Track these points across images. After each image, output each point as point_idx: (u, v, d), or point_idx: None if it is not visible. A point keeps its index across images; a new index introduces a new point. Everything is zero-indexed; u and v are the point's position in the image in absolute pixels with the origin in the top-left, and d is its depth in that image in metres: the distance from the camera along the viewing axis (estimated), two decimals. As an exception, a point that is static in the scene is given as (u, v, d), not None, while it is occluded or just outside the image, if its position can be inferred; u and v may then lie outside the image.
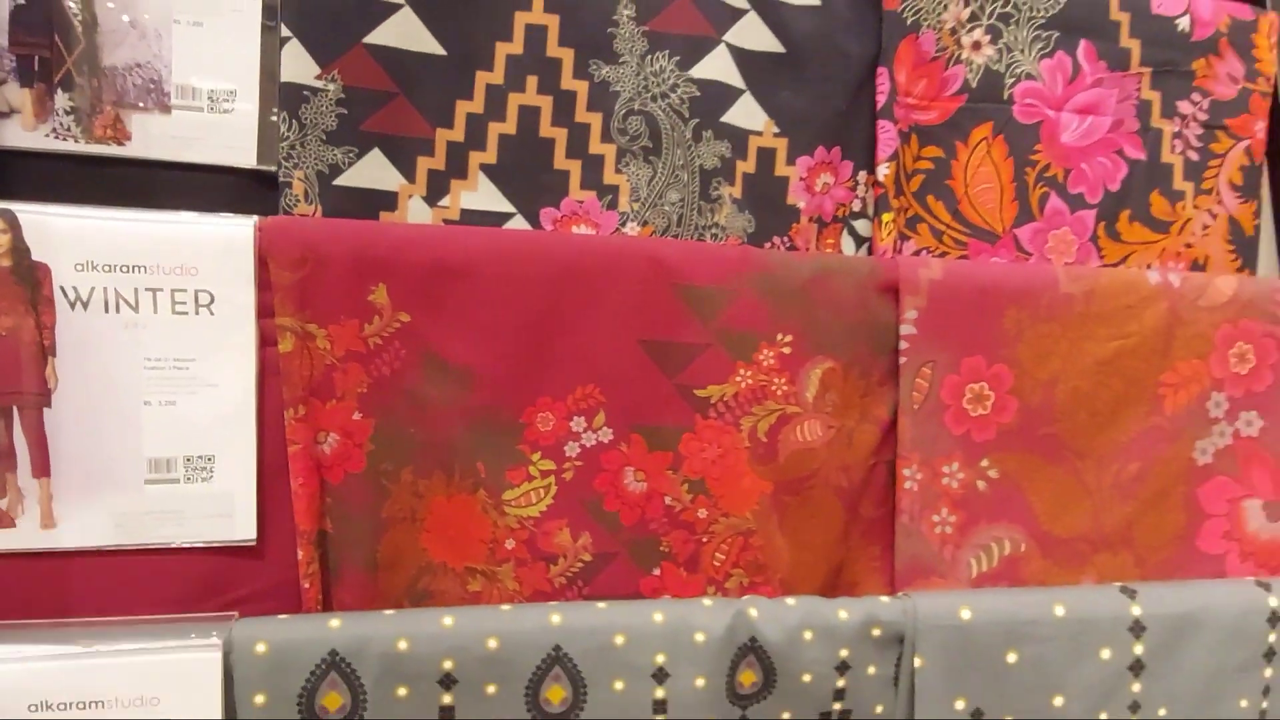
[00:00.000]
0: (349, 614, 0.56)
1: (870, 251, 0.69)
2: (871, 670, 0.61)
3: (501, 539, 0.62)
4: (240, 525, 0.58)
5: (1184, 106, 0.74)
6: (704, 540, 0.65)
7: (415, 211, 0.62)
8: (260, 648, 0.53)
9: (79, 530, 0.55)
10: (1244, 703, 0.64)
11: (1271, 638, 0.64)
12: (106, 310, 0.54)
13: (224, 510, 0.57)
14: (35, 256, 0.53)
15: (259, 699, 0.52)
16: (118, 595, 0.56)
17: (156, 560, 0.57)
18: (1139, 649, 0.63)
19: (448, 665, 0.55)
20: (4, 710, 0.50)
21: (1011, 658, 0.61)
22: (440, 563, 0.62)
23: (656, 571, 0.64)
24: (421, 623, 0.56)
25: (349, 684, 0.54)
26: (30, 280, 0.53)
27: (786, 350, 0.64)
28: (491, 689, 0.56)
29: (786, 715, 0.60)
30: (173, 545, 0.57)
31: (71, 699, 0.50)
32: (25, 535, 0.54)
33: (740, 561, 0.65)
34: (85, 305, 0.54)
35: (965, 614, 0.61)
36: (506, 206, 0.63)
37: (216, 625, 0.53)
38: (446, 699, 0.55)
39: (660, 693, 0.58)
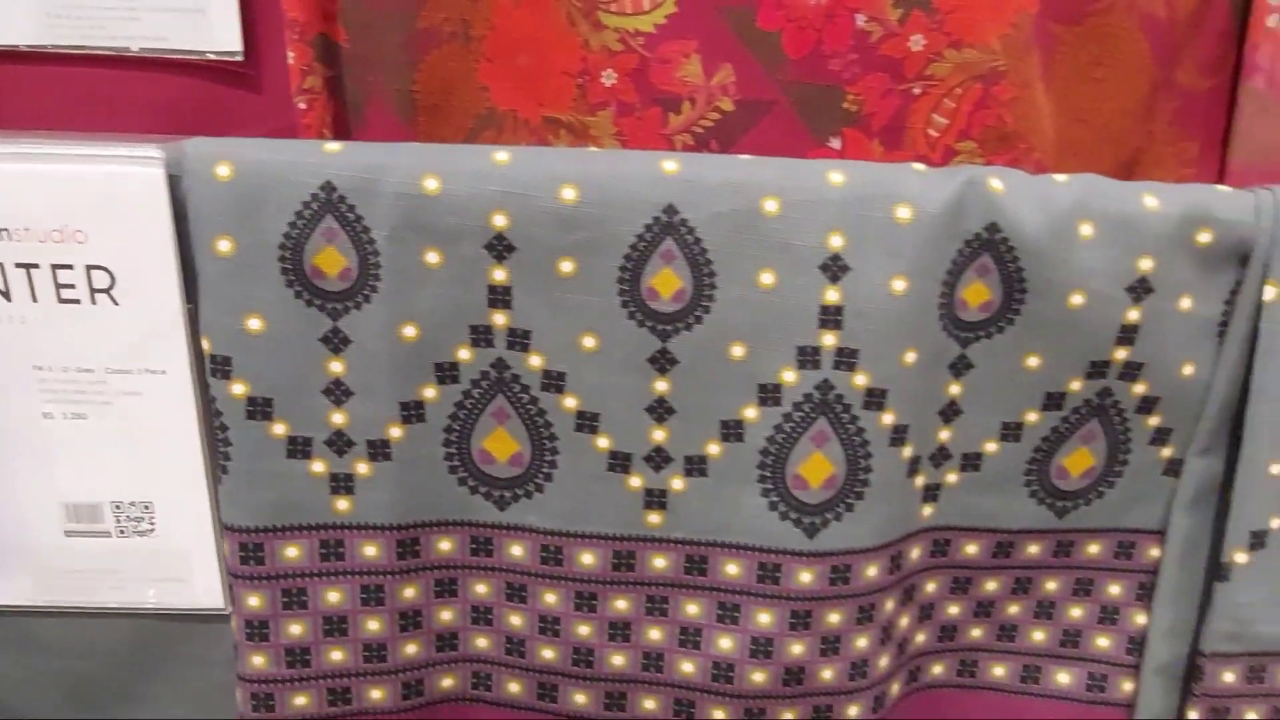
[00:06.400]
0: (355, 143, 0.37)
1: None
2: (1186, 304, 0.37)
3: (596, 70, 0.40)
4: (219, 32, 0.39)
5: None
6: (916, 90, 0.40)
7: None
8: (223, 171, 0.35)
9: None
10: None
11: None
12: None
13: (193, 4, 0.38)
14: None
15: (223, 245, 0.35)
16: (49, 111, 0.40)
17: (100, 72, 0.39)
18: None
19: (500, 221, 0.35)
20: None
21: None
22: (507, 110, 0.41)
23: (835, 143, 0.41)
24: (460, 157, 0.36)
25: (353, 238, 0.35)
26: None
27: None
28: (568, 265, 0.36)
29: (1035, 360, 0.37)
30: (129, 52, 0.39)
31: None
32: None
33: (974, 127, 0.41)
34: None
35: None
36: None
37: (166, 144, 0.36)
38: (499, 274, 0.36)
39: (833, 294, 0.36)
